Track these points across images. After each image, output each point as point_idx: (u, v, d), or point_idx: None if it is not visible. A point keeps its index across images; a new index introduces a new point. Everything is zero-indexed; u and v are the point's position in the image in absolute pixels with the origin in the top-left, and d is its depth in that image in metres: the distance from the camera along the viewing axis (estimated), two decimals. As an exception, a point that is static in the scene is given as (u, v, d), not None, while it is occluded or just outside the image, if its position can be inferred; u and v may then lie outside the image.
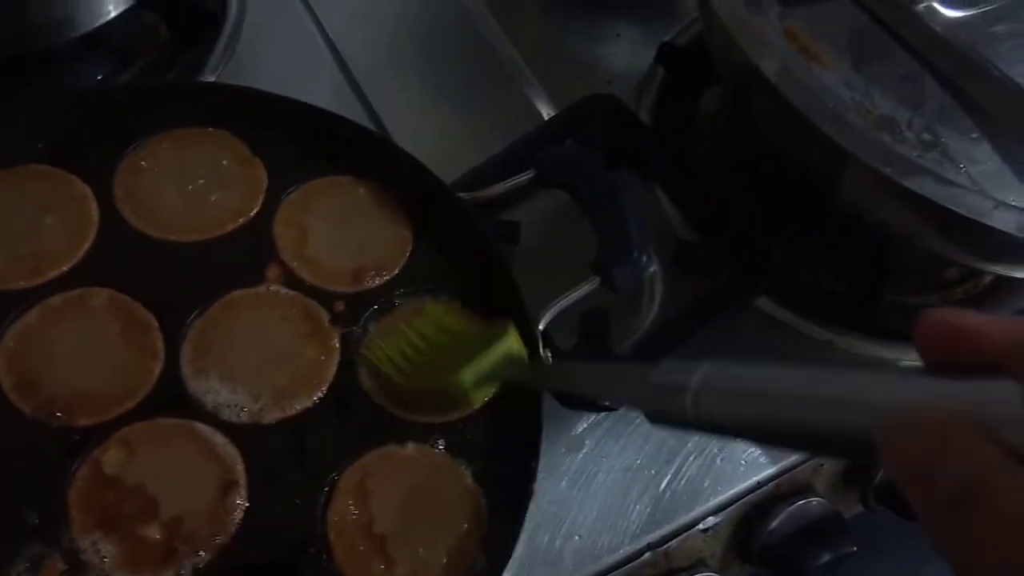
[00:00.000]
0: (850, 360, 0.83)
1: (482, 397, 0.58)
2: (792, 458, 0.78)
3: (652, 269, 0.70)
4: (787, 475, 0.78)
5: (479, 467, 0.61)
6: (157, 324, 0.63)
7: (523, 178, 0.71)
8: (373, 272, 0.68)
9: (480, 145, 0.84)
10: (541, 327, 0.65)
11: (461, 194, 0.70)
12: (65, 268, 0.64)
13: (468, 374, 0.56)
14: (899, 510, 0.82)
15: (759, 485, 0.77)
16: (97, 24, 0.77)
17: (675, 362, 0.43)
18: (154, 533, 0.55)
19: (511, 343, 0.57)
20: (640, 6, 1.06)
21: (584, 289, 0.66)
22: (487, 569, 0.57)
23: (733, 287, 0.82)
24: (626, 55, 1.02)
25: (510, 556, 0.56)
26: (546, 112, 0.94)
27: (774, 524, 0.77)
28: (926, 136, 0.69)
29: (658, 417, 0.43)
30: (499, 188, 0.71)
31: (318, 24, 0.96)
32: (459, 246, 0.69)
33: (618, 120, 0.88)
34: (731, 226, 0.84)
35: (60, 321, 0.62)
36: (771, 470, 0.77)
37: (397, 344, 0.62)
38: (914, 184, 0.60)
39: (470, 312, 0.67)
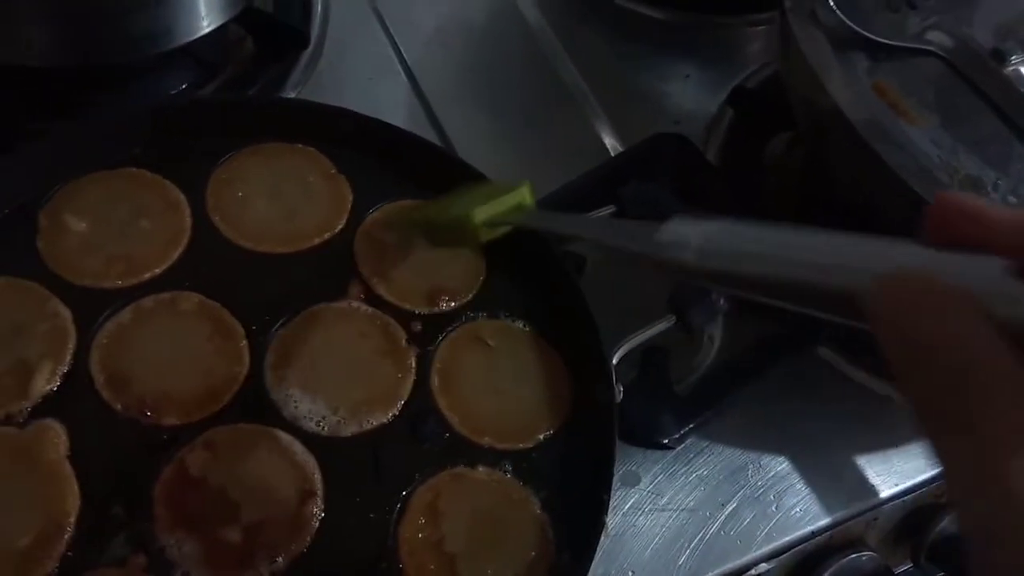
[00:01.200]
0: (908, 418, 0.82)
1: (488, 236, 0.61)
2: (846, 511, 0.78)
3: (725, 310, 0.71)
4: (841, 527, 0.78)
5: (547, 495, 0.62)
6: (243, 331, 0.64)
7: (603, 212, 0.72)
8: (447, 296, 0.70)
9: (546, 175, 0.85)
10: (614, 362, 0.66)
11: (541, 225, 0.71)
12: (158, 271, 0.66)
13: (481, 213, 0.59)
14: (950, 569, 0.82)
15: (812, 535, 0.77)
16: (192, 38, 0.80)
17: (681, 219, 0.44)
18: (235, 536, 0.56)
19: (523, 194, 0.60)
20: (710, 48, 1.08)
21: (659, 327, 0.68)
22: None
23: (794, 334, 0.82)
24: (694, 95, 1.03)
25: (579, 587, 0.57)
26: (612, 146, 0.96)
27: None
28: (1011, 199, 0.69)
29: (661, 268, 0.44)
30: (579, 221, 0.72)
31: (396, 48, 0.99)
32: (535, 275, 0.71)
33: (686, 159, 0.89)
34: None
35: (151, 322, 0.64)
36: (825, 521, 0.77)
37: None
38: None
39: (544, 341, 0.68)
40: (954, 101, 0.75)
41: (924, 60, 0.78)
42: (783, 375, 0.79)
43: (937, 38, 0.77)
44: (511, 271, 0.71)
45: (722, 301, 0.69)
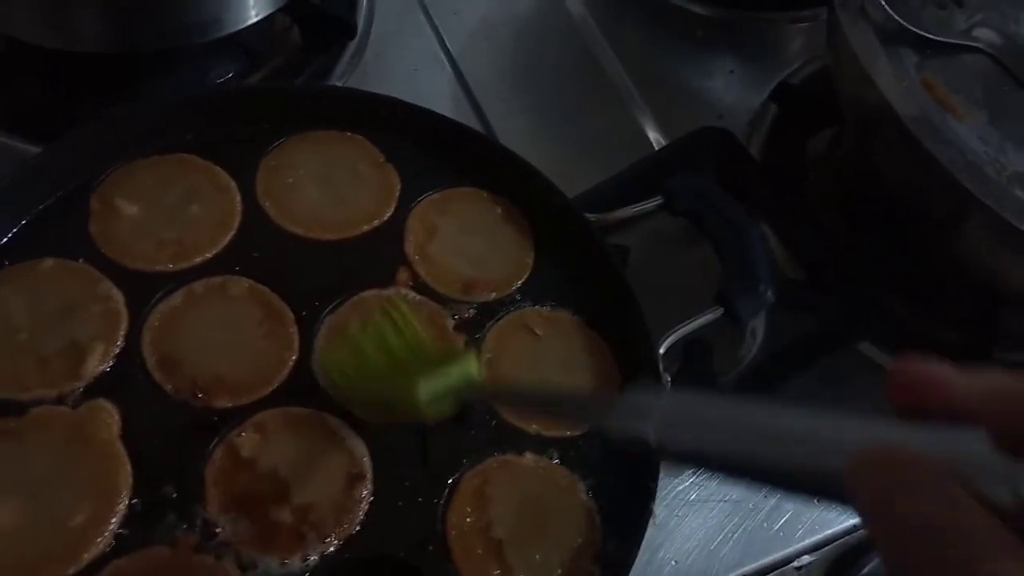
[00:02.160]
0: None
1: (434, 414, 0.54)
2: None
3: (771, 303, 0.70)
4: (884, 520, 0.77)
5: (594, 482, 0.62)
6: (293, 316, 0.64)
7: (650, 204, 0.72)
8: (484, 288, 0.70)
9: (589, 168, 0.86)
10: (661, 351, 0.66)
11: (589, 215, 0.71)
12: (208, 255, 0.67)
13: (424, 389, 0.53)
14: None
15: (854, 528, 0.76)
16: (241, 27, 0.80)
17: (639, 390, 0.44)
18: (285, 517, 0.56)
19: (471, 365, 0.54)
20: (753, 45, 1.07)
21: (706, 318, 0.68)
22: (603, 583, 0.57)
23: (837, 329, 0.82)
24: (737, 91, 1.03)
25: (627, 573, 0.56)
26: (655, 140, 0.95)
27: (867, 569, 0.76)
28: (1059, 196, 0.69)
29: (624, 443, 0.43)
30: (627, 212, 0.72)
31: (440, 40, 0.99)
32: (582, 264, 0.70)
33: (729, 153, 0.89)
34: (838, 267, 0.84)
35: (202, 305, 0.64)
36: (869, 515, 0.76)
37: (353, 345, 0.59)
38: (1050, 240, 0.61)
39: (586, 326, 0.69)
40: (1002, 98, 0.74)
41: (972, 57, 0.78)
42: (825, 368, 0.79)
43: (984, 35, 0.77)
44: (558, 261, 0.71)
45: (769, 293, 0.68)
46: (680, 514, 0.73)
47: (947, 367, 0.33)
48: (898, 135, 0.68)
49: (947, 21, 0.78)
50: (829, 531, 0.75)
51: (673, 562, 0.71)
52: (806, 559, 0.74)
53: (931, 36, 0.73)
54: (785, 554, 0.74)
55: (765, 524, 0.74)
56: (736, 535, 0.73)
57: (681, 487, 0.73)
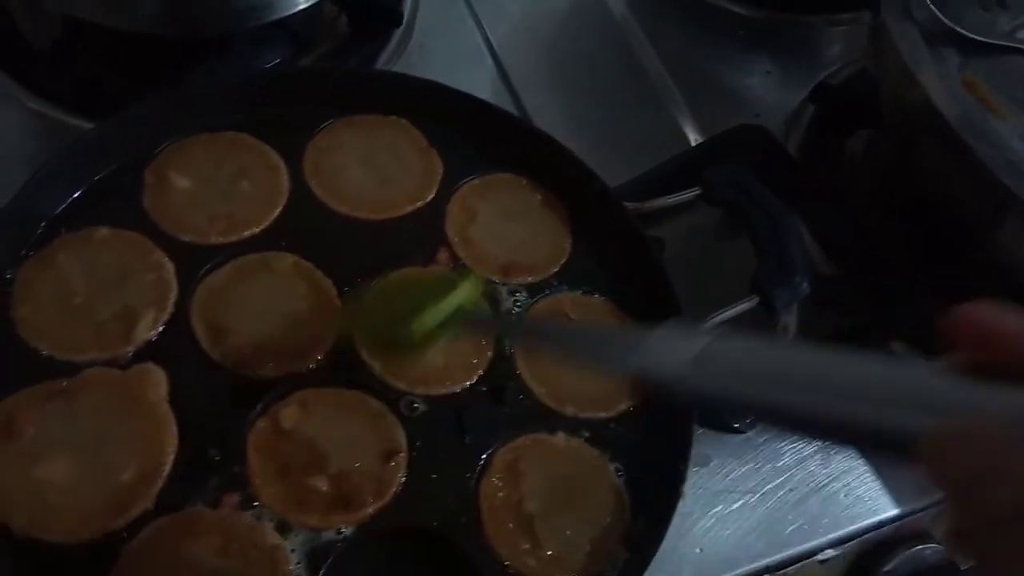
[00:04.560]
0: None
1: (433, 343, 0.55)
2: (913, 504, 0.78)
3: (807, 293, 0.71)
4: (907, 519, 0.78)
5: (625, 463, 0.63)
6: (336, 291, 0.66)
7: (689, 194, 0.73)
8: (522, 271, 0.72)
9: (626, 163, 0.86)
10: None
11: (627, 204, 0.72)
12: (257, 230, 0.69)
13: (419, 324, 0.53)
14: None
15: (879, 525, 0.77)
16: (292, 11, 0.82)
17: (677, 326, 0.42)
18: (322, 485, 0.58)
19: (466, 291, 0.54)
20: (790, 46, 1.08)
21: (742, 306, 0.69)
22: (630, 565, 0.58)
23: (868, 326, 0.82)
24: (774, 91, 1.03)
25: (654, 555, 0.58)
26: (693, 138, 0.96)
27: (890, 566, 0.77)
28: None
29: (647, 380, 0.41)
30: (665, 201, 0.74)
31: (483, 32, 1.00)
32: (618, 252, 0.72)
33: (766, 151, 0.89)
34: (870, 265, 0.84)
35: (249, 279, 0.66)
36: (892, 512, 0.77)
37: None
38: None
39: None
40: (1044, 99, 0.75)
41: (1014, 58, 0.78)
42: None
43: (1028, 37, 0.77)
44: (595, 247, 0.73)
45: (805, 284, 0.69)
46: (705, 504, 0.74)
47: (1017, 315, 0.31)
48: (940, 133, 0.68)
49: (990, 23, 0.79)
50: (853, 527, 0.76)
51: (697, 550, 0.72)
52: (830, 553, 0.75)
53: (975, 37, 0.74)
54: (809, 547, 0.74)
55: (790, 517, 0.75)
56: (761, 526, 0.74)
57: (706, 477, 0.74)
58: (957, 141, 0.66)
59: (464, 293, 0.55)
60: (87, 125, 0.78)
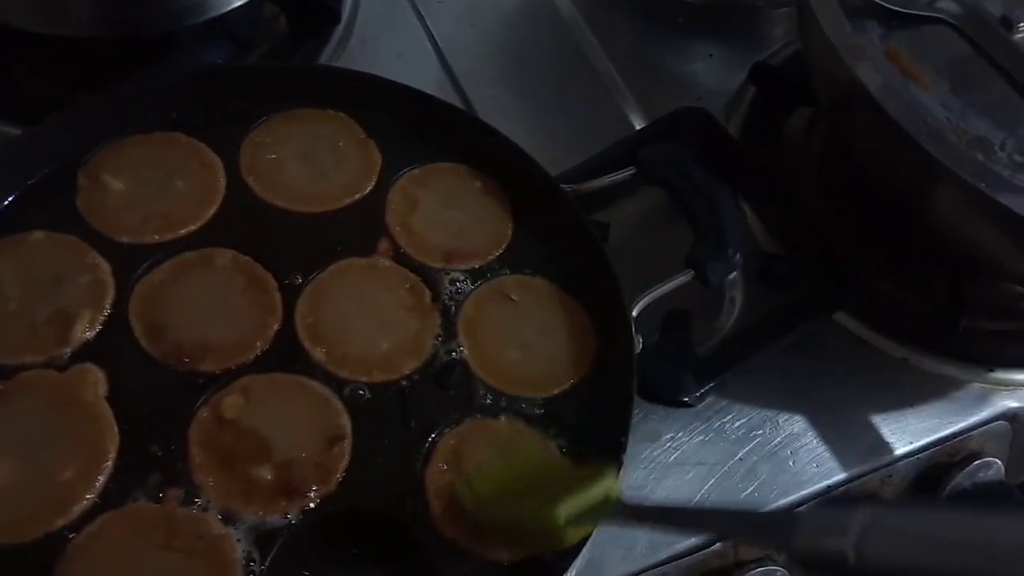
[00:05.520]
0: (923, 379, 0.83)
1: (575, 537, 0.53)
2: (861, 467, 0.80)
3: (740, 266, 0.72)
4: (856, 482, 0.79)
5: (567, 441, 0.64)
6: (276, 284, 0.66)
7: (624, 174, 0.75)
8: (464, 257, 0.73)
9: (572, 151, 0.87)
10: (634, 314, 0.68)
11: (564, 186, 0.73)
12: (193, 228, 0.69)
13: (563, 511, 0.52)
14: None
15: (828, 489, 0.78)
16: (227, 9, 0.83)
17: (828, 508, 0.42)
18: (266, 474, 0.59)
19: (612, 484, 0.53)
20: (733, 30, 1.09)
21: (678, 281, 0.70)
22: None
23: (813, 300, 0.84)
24: (716, 74, 1.05)
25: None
26: (637, 124, 0.97)
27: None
28: (1018, 158, 0.71)
29: (807, 562, 0.41)
30: (601, 182, 0.75)
31: (425, 26, 1.01)
32: (558, 234, 0.73)
33: (708, 133, 0.91)
34: (814, 241, 0.86)
35: (187, 275, 0.67)
36: (840, 476, 0.79)
37: (487, 474, 0.60)
38: (1007, 200, 0.63)
39: (572, 300, 0.71)
40: (964, 67, 0.77)
41: (935, 28, 0.80)
42: (800, 337, 0.81)
43: (947, 6, 0.79)
44: (536, 231, 0.74)
45: (738, 256, 0.70)
46: (657, 477, 0.75)
47: None
48: (865, 105, 0.69)
49: (912, -7, 0.81)
50: (803, 492, 0.77)
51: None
52: (780, 519, 0.75)
53: (895, 8, 0.75)
54: (760, 515, 0.75)
55: (741, 485, 0.76)
56: (712, 496, 0.75)
57: (657, 451, 0.75)
58: (881, 112, 0.68)
59: (610, 484, 0.54)
60: (13, 131, 0.77)
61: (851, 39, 0.71)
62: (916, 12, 0.77)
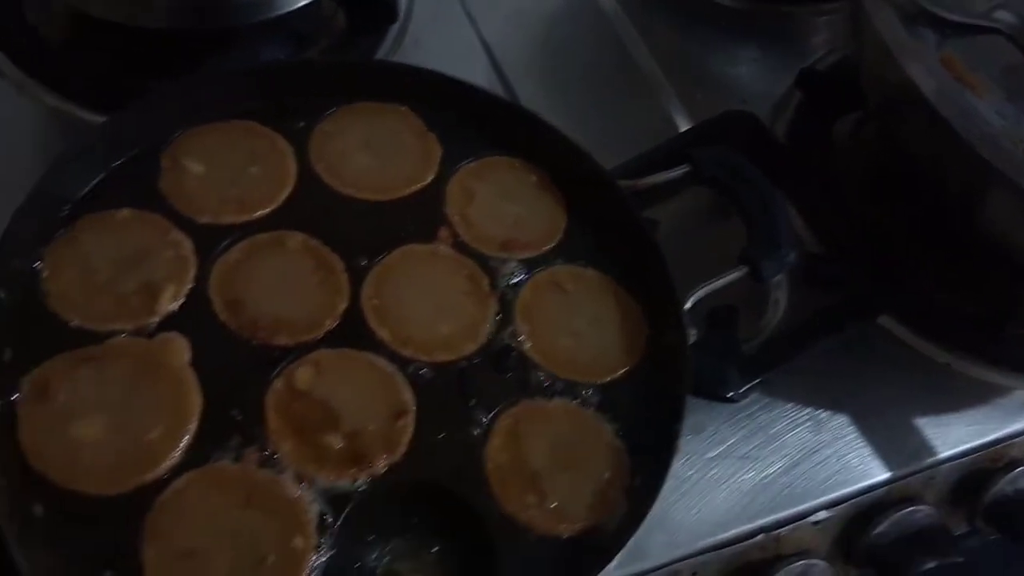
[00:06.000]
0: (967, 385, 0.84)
1: None
2: (903, 468, 0.82)
3: (793, 263, 0.75)
4: (898, 483, 0.81)
5: (621, 425, 0.67)
6: (343, 266, 0.70)
7: (679, 172, 0.77)
8: (520, 247, 0.76)
9: (616, 150, 0.89)
10: (687, 307, 0.70)
11: (620, 181, 0.76)
12: (267, 211, 0.72)
13: None
14: (1006, 531, 0.85)
15: (870, 489, 0.80)
16: (293, 8, 0.86)
17: None
18: (336, 442, 0.62)
19: None
20: (776, 36, 1.12)
21: (731, 276, 0.72)
22: (629, 514, 0.62)
23: (858, 302, 0.85)
24: (762, 78, 1.07)
25: (652, 505, 0.61)
26: (682, 124, 1.00)
27: (882, 527, 0.80)
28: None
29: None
30: (656, 179, 0.77)
31: (475, 27, 1.04)
32: (612, 228, 0.76)
33: (755, 136, 0.93)
34: (860, 244, 0.88)
35: (262, 255, 0.70)
36: (882, 476, 0.81)
37: None
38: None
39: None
40: (1019, 76, 0.78)
41: (990, 38, 0.82)
42: (846, 339, 0.83)
43: (1003, 16, 0.81)
44: (590, 224, 0.77)
45: (791, 255, 0.73)
46: (700, 470, 0.77)
47: None
48: (920, 110, 0.71)
49: (967, 3, 0.82)
50: (845, 490, 0.79)
51: (694, 512, 0.75)
52: (823, 515, 0.78)
53: (951, 17, 0.77)
54: (803, 509, 0.78)
55: (783, 481, 0.78)
56: (755, 490, 0.77)
57: (701, 444, 0.78)
58: (936, 116, 0.70)
59: None
60: (98, 118, 0.81)
61: (906, 42, 0.73)
62: (971, 21, 0.79)
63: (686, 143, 0.88)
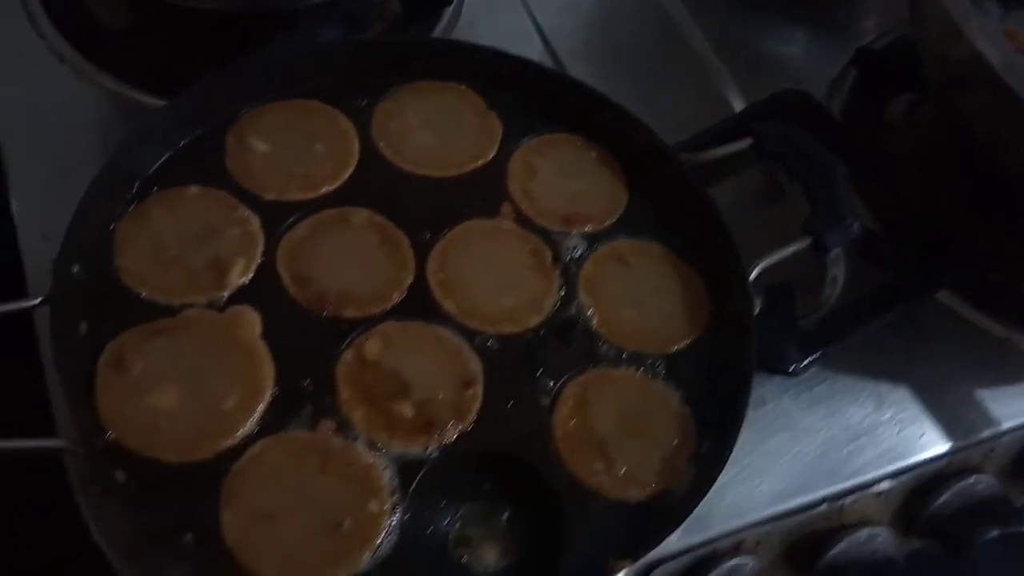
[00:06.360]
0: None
1: None
2: (963, 440, 0.81)
3: (856, 235, 0.74)
4: (959, 455, 0.81)
5: (687, 393, 0.67)
6: (408, 242, 0.71)
7: (742, 144, 0.77)
8: (581, 221, 0.76)
9: (671, 133, 0.89)
10: (752, 277, 0.70)
11: (682, 155, 0.76)
12: (331, 188, 0.73)
13: None
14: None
15: (931, 460, 0.80)
16: (351, -10, 0.87)
17: None
18: (407, 411, 0.63)
19: None
20: (829, 17, 1.11)
21: (793, 248, 0.72)
22: (698, 480, 0.62)
23: (916, 279, 0.85)
24: (816, 59, 1.06)
25: (720, 470, 0.61)
26: (737, 106, 0.99)
27: (944, 498, 0.80)
28: None
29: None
30: (717, 152, 0.77)
31: (528, 10, 1.04)
32: (673, 202, 0.76)
33: (810, 114, 0.92)
34: (917, 221, 0.87)
35: (328, 231, 0.71)
36: (943, 448, 0.80)
37: None
38: None
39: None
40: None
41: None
42: (904, 314, 0.82)
43: (1065, -12, 0.80)
44: (651, 198, 0.77)
45: (855, 226, 0.72)
46: (762, 442, 0.77)
47: None
48: (984, 83, 0.71)
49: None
50: (907, 461, 0.79)
51: (757, 482, 0.75)
52: (885, 485, 0.78)
53: (1015, -11, 0.76)
54: (864, 480, 0.77)
55: (845, 452, 0.78)
56: (817, 461, 0.77)
57: (761, 416, 0.78)
58: (1001, 87, 0.69)
59: None
60: (157, 102, 0.83)
61: (970, 14, 0.72)
62: (1035, -6, 0.78)
63: (746, 119, 0.87)
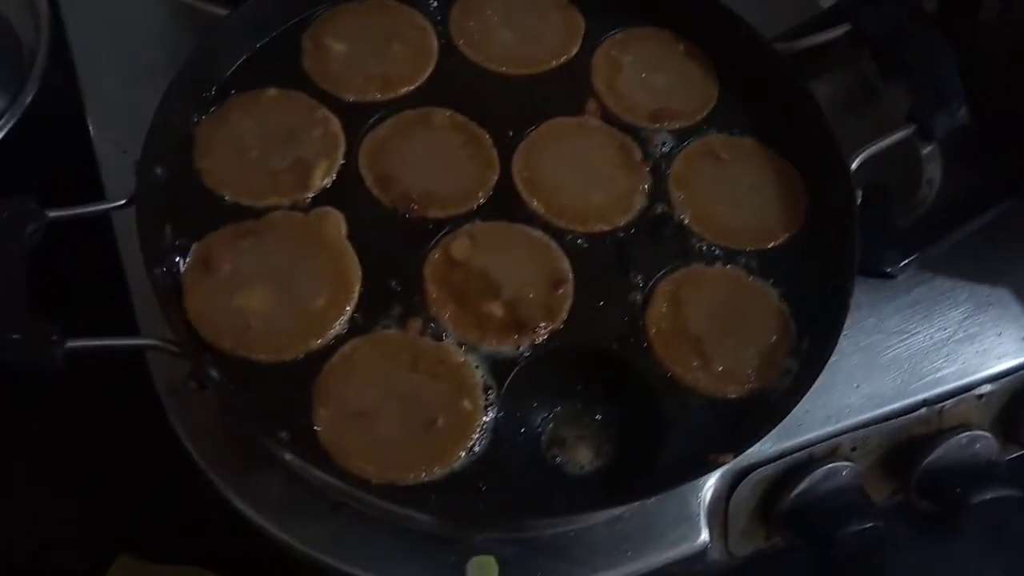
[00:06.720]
0: None
1: None
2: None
3: (964, 120, 0.70)
4: (1068, 356, 0.77)
5: (786, 289, 0.64)
6: (492, 141, 0.68)
7: (840, 30, 0.73)
8: (670, 117, 0.73)
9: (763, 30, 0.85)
10: (853, 167, 0.67)
11: (777, 44, 0.72)
12: (411, 88, 0.71)
13: None
14: None
15: (1033, 364, 0.76)
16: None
17: None
18: (497, 310, 0.61)
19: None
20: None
21: (898, 135, 0.68)
22: (799, 376, 0.60)
23: (1011, 179, 0.81)
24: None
25: (822, 367, 0.59)
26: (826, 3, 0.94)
27: (1048, 403, 0.76)
28: None
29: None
30: (813, 39, 0.73)
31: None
32: (766, 94, 0.72)
33: (901, 9, 0.87)
34: (1011, 120, 0.82)
35: (409, 132, 0.69)
36: (1045, 351, 0.76)
37: None
38: None
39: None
40: None
41: None
42: (1002, 215, 0.78)
43: None
44: (743, 91, 0.74)
45: (963, 111, 0.68)
46: (860, 344, 0.75)
47: None
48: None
49: None
50: (1010, 364, 0.76)
51: (855, 386, 0.73)
52: (987, 388, 0.75)
53: None
54: (966, 382, 0.75)
55: (943, 354, 0.75)
56: (915, 364, 0.75)
57: (857, 320, 0.75)
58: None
59: None
60: (222, 11, 0.81)
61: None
62: None
63: (843, 9, 0.83)
